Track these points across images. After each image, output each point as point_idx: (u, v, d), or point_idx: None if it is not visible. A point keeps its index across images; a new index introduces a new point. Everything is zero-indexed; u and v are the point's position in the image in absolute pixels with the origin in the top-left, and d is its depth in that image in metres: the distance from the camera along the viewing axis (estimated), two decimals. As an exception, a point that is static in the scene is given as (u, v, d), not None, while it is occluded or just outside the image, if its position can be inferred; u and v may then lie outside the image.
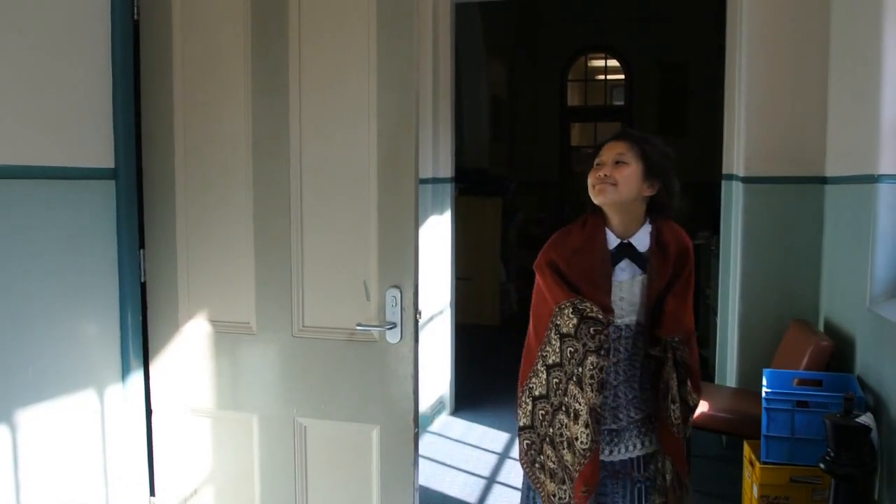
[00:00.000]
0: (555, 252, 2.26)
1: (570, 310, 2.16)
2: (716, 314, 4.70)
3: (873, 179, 3.09)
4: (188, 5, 2.67)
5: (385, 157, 2.49)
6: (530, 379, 2.27)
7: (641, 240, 2.24)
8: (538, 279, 2.28)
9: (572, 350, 2.17)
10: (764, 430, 3.12)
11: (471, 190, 7.40)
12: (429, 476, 4.15)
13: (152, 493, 2.87)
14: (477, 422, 5.07)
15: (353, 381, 2.57)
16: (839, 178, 3.68)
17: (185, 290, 2.75)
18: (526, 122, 10.02)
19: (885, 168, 3.06)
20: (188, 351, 2.76)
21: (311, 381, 2.63)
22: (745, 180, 4.03)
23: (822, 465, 2.77)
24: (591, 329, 2.15)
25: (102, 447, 2.68)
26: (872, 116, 3.11)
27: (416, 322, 2.49)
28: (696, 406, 2.31)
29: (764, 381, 3.22)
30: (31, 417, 2.39)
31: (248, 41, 2.61)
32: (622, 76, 10.34)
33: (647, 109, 10.02)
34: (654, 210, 2.28)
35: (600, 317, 2.14)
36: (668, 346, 2.19)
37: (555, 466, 2.23)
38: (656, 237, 2.24)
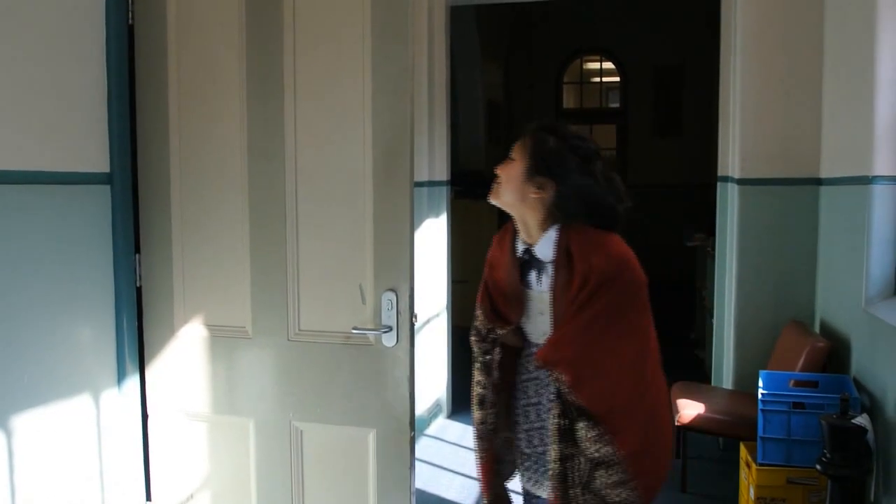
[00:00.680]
0: (489, 254, 2.19)
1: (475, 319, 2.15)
2: (712, 316, 4.70)
3: (868, 181, 3.10)
4: (183, 10, 2.67)
5: (380, 161, 2.48)
6: None
7: (542, 248, 2.02)
8: None
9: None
10: (760, 432, 3.12)
11: (466, 193, 7.40)
12: (425, 480, 4.14)
13: (148, 497, 2.86)
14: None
15: (349, 384, 2.57)
16: (834, 179, 3.69)
17: (181, 295, 2.74)
18: (521, 125, 10.02)
19: (879, 169, 3.07)
20: (184, 355, 2.76)
21: (307, 385, 2.62)
22: (741, 182, 4.04)
23: (818, 467, 2.78)
24: (472, 337, 2.11)
25: (98, 452, 2.68)
26: (867, 118, 3.11)
27: (412, 325, 2.49)
28: (608, 462, 1.85)
29: (760, 383, 3.22)
30: (26, 423, 2.38)
31: (242, 46, 2.61)
32: (617, 78, 10.35)
33: (643, 112, 10.04)
34: (564, 215, 2.01)
35: (477, 324, 2.07)
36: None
37: None
38: (564, 247, 1.97)
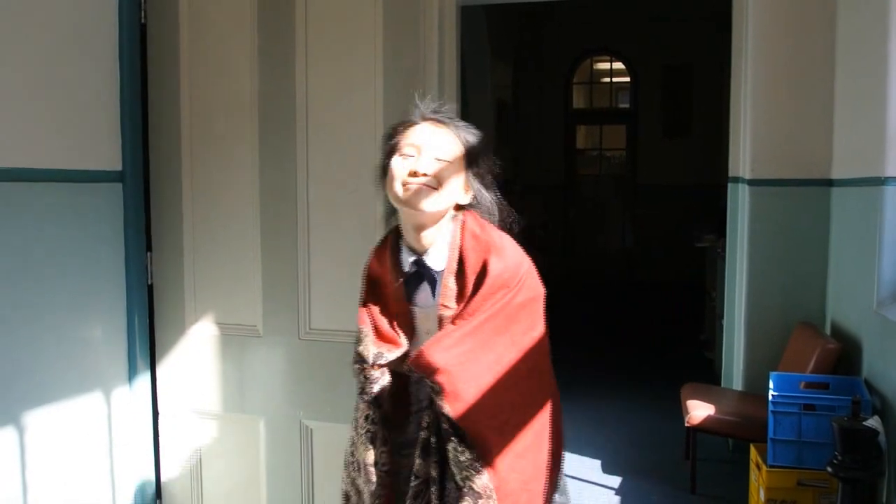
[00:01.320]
0: (365, 269, 1.83)
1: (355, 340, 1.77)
2: (721, 317, 4.69)
3: (880, 182, 3.08)
4: (195, 9, 2.68)
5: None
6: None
7: (435, 256, 1.72)
8: None
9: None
10: (771, 434, 3.10)
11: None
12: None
13: (158, 495, 2.87)
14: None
15: (359, 383, 2.57)
16: (846, 180, 3.67)
17: (192, 293, 2.75)
18: (531, 125, 10.01)
19: (891, 170, 3.05)
20: (195, 353, 2.77)
21: (317, 384, 2.63)
22: (751, 183, 4.02)
23: (829, 469, 2.76)
24: (355, 366, 1.75)
25: (109, 449, 2.69)
26: (879, 118, 3.10)
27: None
28: (476, 493, 1.60)
29: (771, 385, 3.21)
30: (38, 419, 2.39)
31: (254, 45, 2.62)
32: (627, 79, 10.33)
33: (652, 112, 10.00)
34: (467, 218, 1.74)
35: (361, 349, 1.73)
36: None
37: None
38: (459, 252, 1.70)
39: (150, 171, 2.76)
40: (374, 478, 1.74)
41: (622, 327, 7.71)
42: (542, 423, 1.72)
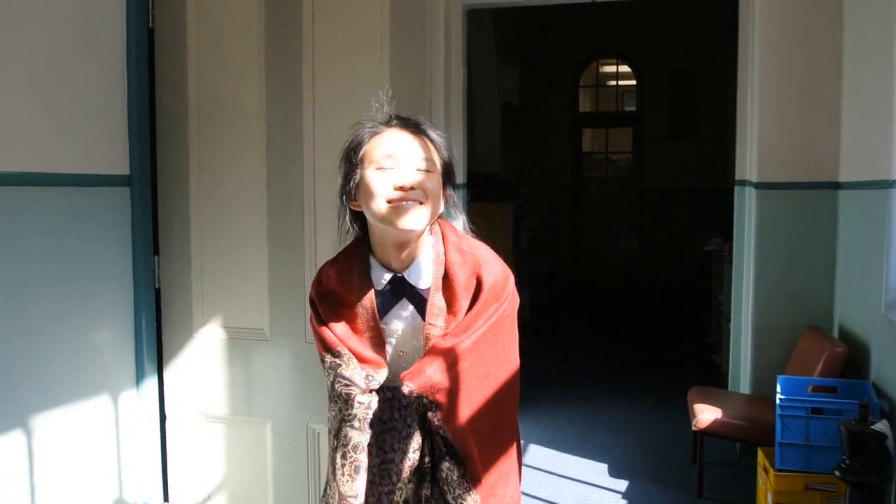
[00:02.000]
0: (316, 287, 1.69)
1: (327, 364, 1.64)
2: (728, 320, 4.68)
3: (888, 185, 3.08)
4: (203, 13, 2.69)
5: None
6: None
7: (416, 271, 1.61)
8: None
9: (331, 416, 1.68)
10: (778, 438, 3.10)
11: (482, 195, 7.40)
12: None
13: (166, 498, 2.88)
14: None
15: (366, 387, 2.57)
16: (853, 183, 3.66)
17: (199, 297, 2.76)
18: (537, 128, 10.02)
19: (899, 173, 3.05)
20: (202, 357, 2.77)
21: (324, 388, 2.61)
22: (758, 186, 4.01)
23: (837, 473, 2.75)
24: (343, 390, 1.61)
25: (117, 452, 2.69)
26: (886, 121, 3.09)
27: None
28: None
29: (778, 388, 3.19)
30: (46, 422, 2.40)
31: (262, 48, 2.62)
32: (634, 82, 10.33)
33: (659, 115, 10.00)
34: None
35: (347, 374, 1.59)
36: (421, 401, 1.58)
37: None
38: (443, 264, 1.60)
39: (157, 174, 2.77)
40: None
41: (628, 330, 7.70)
42: (514, 440, 1.72)
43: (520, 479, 1.74)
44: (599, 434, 4.64)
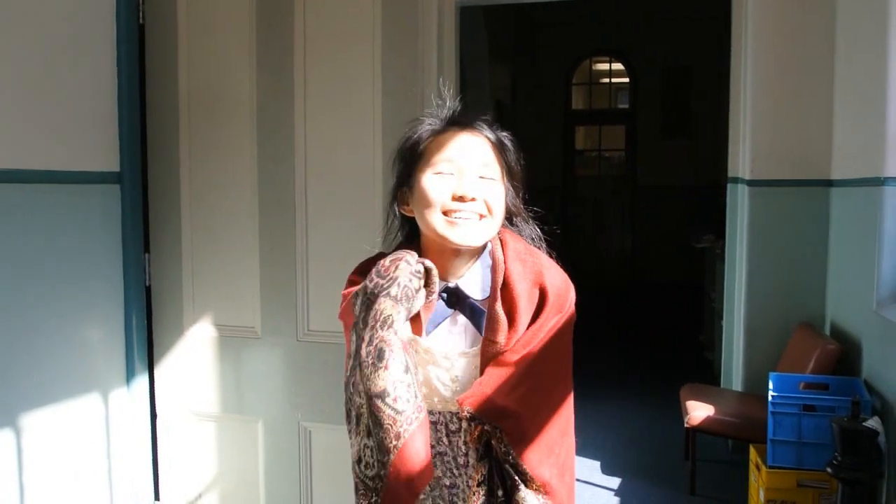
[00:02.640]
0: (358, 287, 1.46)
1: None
2: (721, 317, 4.68)
3: (880, 182, 3.08)
4: (194, 9, 2.67)
5: (390, 161, 2.48)
6: None
7: (472, 281, 1.45)
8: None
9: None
10: (770, 434, 3.10)
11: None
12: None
13: (157, 497, 2.86)
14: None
15: (358, 385, 2.56)
16: (845, 180, 3.67)
17: (190, 294, 2.74)
18: (529, 126, 10.01)
19: (891, 171, 3.04)
20: (193, 355, 2.76)
21: (316, 386, 2.62)
22: (751, 183, 4.02)
23: (829, 470, 2.75)
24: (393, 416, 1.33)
25: (107, 451, 2.68)
26: (879, 119, 3.09)
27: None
28: None
29: (770, 385, 3.20)
30: (35, 421, 2.38)
31: (253, 45, 2.61)
32: (627, 80, 10.33)
33: (652, 113, 10.01)
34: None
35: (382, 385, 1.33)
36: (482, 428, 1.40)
37: None
38: (503, 272, 1.43)
39: (147, 172, 2.76)
40: None
41: (621, 328, 7.71)
42: (573, 460, 1.57)
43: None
44: (592, 431, 4.64)
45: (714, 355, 5.44)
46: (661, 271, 9.66)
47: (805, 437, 3.06)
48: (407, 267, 1.38)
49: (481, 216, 1.39)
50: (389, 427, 1.31)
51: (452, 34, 4.88)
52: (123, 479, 2.74)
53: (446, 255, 1.43)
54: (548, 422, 1.45)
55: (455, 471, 1.48)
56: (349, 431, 1.43)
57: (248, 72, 2.62)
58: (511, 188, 1.48)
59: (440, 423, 1.46)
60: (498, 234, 1.47)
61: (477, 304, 1.44)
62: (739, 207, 4.16)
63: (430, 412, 1.45)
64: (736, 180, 4.25)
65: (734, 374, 4.26)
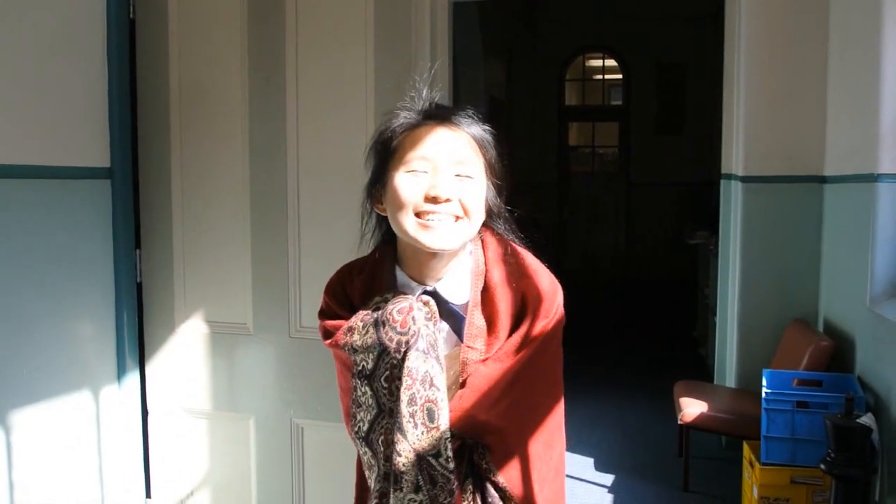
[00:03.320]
0: (335, 296, 1.44)
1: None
2: (714, 314, 4.69)
3: (873, 178, 3.08)
4: (185, 4, 2.66)
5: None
6: None
7: (451, 285, 1.38)
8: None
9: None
10: (764, 431, 3.10)
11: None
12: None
13: (148, 494, 2.85)
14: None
15: (350, 381, 2.55)
16: (839, 177, 3.67)
17: (182, 291, 2.73)
18: (523, 122, 10.00)
19: (884, 167, 3.05)
20: (184, 351, 2.74)
21: (308, 383, 2.61)
22: (744, 179, 4.02)
23: (822, 466, 2.75)
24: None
25: (98, 448, 2.66)
26: (872, 115, 3.09)
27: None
28: None
29: (764, 382, 3.20)
30: (25, 418, 2.37)
31: (244, 40, 2.59)
32: (620, 76, 10.32)
33: (645, 109, 10.01)
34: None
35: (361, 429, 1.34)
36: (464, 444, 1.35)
37: None
38: (484, 275, 1.38)
39: (138, 167, 2.74)
40: None
41: (615, 324, 7.71)
42: (563, 478, 1.49)
43: None
44: (585, 428, 4.64)
45: (707, 351, 5.45)
46: (654, 268, 9.67)
47: (798, 433, 3.06)
48: (420, 315, 1.31)
49: (457, 218, 1.31)
50: (444, 485, 1.29)
51: (446, 30, 4.87)
52: (114, 477, 2.72)
53: (423, 257, 1.36)
54: (532, 435, 1.39)
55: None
56: (369, 478, 1.39)
57: (240, 68, 2.60)
58: (492, 186, 1.39)
59: None
60: (480, 235, 1.41)
61: (457, 308, 1.36)
62: (733, 204, 4.16)
63: None
64: (729, 177, 4.25)
65: (728, 370, 4.27)
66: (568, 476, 3.93)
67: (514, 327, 1.36)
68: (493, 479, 1.35)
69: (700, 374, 5.05)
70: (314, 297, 2.59)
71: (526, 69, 9.99)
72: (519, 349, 1.34)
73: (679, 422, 3.70)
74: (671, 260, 9.11)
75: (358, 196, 2.43)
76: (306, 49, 2.55)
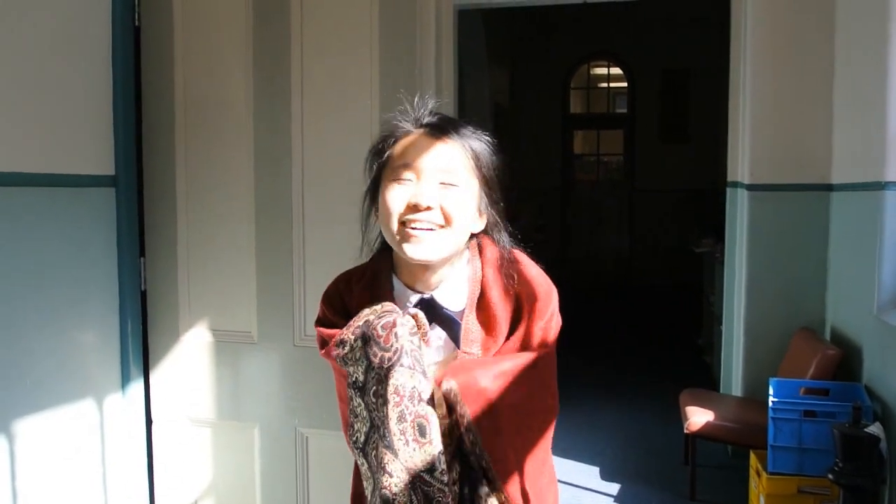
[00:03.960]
0: (331, 304, 1.51)
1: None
2: (720, 322, 4.67)
3: (880, 186, 3.07)
4: (189, 11, 2.65)
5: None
6: None
7: (447, 292, 1.39)
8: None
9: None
10: (771, 440, 3.08)
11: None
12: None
13: (152, 503, 2.84)
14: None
15: (355, 390, 2.54)
16: (845, 185, 3.65)
17: (186, 299, 2.72)
18: (528, 130, 10.00)
19: (892, 175, 3.04)
20: (189, 360, 2.73)
21: (312, 391, 2.60)
22: (750, 187, 4.00)
23: (830, 476, 2.74)
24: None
25: (102, 457, 2.65)
26: (879, 123, 3.08)
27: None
28: None
29: (770, 391, 3.18)
30: (29, 427, 2.36)
31: (249, 48, 2.59)
32: (625, 84, 10.32)
33: (650, 117, 10.01)
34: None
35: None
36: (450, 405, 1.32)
37: None
38: (480, 280, 1.39)
39: (143, 175, 2.73)
40: None
41: (620, 332, 7.69)
42: (555, 482, 1.48)
43: None
44: (591, 436, 4.62)
45: (713, 359, 5.43)
46: (659, 275, 9.65)
47: (806, 442, 3.05)
48: (404, 330, 1.31)
49: (440, 226, 1.31)
50: (440, 500, 1.28)
51: (451, 36, 4.86)
52: (118, 486, 2.71)
53: (414, 266, 1.37)
54: (527, 441, 1.37)
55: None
56: (366, 489, 1.38)
57: (245, 75, 2.60)
58: (486, 196, 1.39)
59: None
60: (478, 242, 1.42)
61: (453, 315, 1.38)
62: (739, 211, 4.15)
63: None
64: (735, 184, 4.23)
65: (734, 379, 4.25)
66: (574, 485, 3.92)
67: (511, 332, 1.37)
68: (484, 465, 1.33)
69: (705, 381, 5.03)
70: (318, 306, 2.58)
71: (530, 76, 10.00)
72: (510, 351, 1.36)
73: (685, 431, 3.69)
74: (676, 268, 9.09)
75: (363, 204, 2.43)
76: (311, 56, 2.54)
